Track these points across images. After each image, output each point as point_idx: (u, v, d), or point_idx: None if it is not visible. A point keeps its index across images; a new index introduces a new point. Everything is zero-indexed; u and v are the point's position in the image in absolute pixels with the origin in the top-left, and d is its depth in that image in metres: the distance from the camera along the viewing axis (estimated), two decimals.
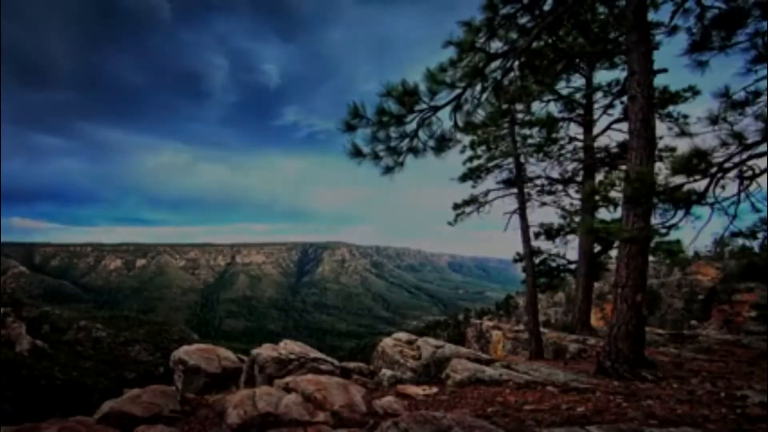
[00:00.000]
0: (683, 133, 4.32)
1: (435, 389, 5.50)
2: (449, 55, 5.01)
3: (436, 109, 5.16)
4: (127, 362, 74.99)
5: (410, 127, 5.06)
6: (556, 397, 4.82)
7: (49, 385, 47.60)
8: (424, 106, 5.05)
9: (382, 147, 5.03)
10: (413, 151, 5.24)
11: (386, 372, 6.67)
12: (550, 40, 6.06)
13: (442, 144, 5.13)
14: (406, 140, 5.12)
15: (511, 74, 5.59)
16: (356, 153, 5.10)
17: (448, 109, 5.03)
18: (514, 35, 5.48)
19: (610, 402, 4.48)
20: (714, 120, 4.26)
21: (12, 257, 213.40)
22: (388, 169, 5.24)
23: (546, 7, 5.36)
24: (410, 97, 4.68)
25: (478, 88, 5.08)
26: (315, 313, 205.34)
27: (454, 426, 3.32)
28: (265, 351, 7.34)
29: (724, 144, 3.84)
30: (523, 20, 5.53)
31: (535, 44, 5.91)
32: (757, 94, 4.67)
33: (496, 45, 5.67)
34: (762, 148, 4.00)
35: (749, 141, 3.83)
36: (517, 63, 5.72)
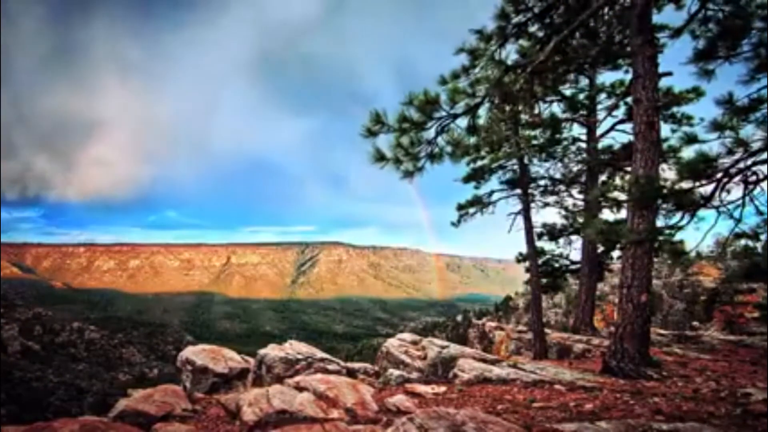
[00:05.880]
0: (691, 140, 4.45)
1: (443, 388, 5.56)
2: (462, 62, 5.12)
3: (454, 116, 5.27)
4: (121, 364, 74.31)
5: (429, 134, 5.19)
6: (564, 395, 4.89)
7: (43, 387, 47.06)
8: (443, 113, 5.17)
9: (403, 152, 5.14)
10: (432, 156, 5.36)
11: (393, 372, 6.73)
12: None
13: (460, 150, 5.25)
14: (425, 146, 5.23)
15: (521, 81, 5.70)
16: (380, 158, 5.22)
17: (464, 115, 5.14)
18: (525, 43, 5.59)
19: (617, 399, 4.57)
20: (719, 126, 4.39)
21: (3, 258, 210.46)
22: (408, 173, 5.36)
23: (556, 18, 5.48)
24: (431, 105, 4.80)
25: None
26: (311, 315, 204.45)
27: (467, 422, 3.39)
28: (272, 351, 7.40)
29: (729, 151, 3.97)
30: (533, 28, 5.64)
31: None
32: (759, 101, 4.80)
33: (504, 51, 5.78)
34: (765, 155, 4.13)
35: (754, 148, 3.96)
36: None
